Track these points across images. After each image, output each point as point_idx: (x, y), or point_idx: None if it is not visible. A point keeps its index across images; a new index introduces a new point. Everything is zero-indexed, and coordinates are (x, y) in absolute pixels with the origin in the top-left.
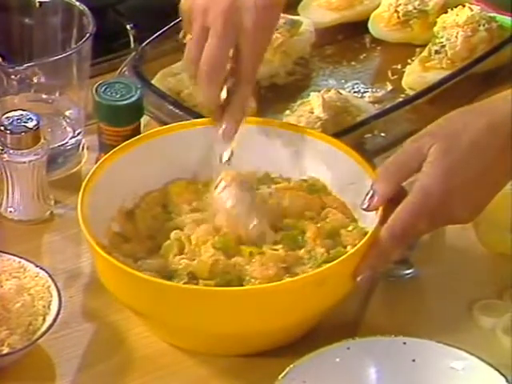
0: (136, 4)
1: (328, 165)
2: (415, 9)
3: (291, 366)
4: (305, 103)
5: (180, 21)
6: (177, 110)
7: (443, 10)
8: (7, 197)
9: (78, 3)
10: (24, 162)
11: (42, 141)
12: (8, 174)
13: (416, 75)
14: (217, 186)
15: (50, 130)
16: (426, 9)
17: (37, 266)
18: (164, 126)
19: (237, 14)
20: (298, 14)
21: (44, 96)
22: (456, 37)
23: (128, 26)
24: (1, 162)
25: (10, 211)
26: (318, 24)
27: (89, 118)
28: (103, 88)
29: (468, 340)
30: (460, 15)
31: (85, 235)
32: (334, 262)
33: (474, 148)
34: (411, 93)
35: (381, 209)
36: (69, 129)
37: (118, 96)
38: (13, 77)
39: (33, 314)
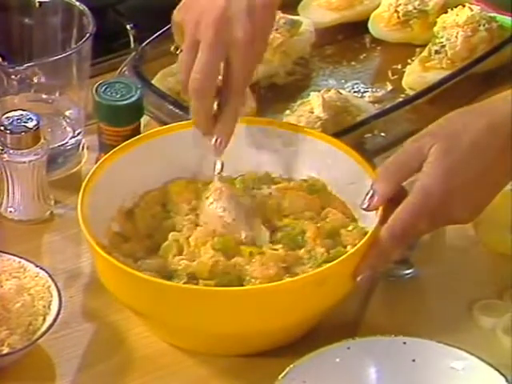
0: (136, 4)
1: (328, 165)
2: (415, 9)
3: (291, 366)
4: (305, 103)
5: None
6: (177, 110)
7: (443, 10)
8: (7, 197)
9: (77, 3)
10: (24, 162)
11: (42, 141)
12: (8, 173)
13: (416, 75)
14: (208, 197)
15: (50, 130)
16: (426, 9)
17: (37, 266)
18: (164, 126)
19: (227, 26)
20: (298, 14)
21: (44, 96)
22: (456, 37)
23: (128, 26)
24: (1, 162)
25: (10, 211)
26: (317, 24)
27: (89, 118)
28: (103, 88)
29: (468, 340)
30: (460, 15)
31: (85, 235)
32: (334, 261)
33: (475, 148)
34: (411, 93)
35: (381, 209)
36: (69, 129)
37: (118, 96)
38: (13, 77)
39: (33, 314)
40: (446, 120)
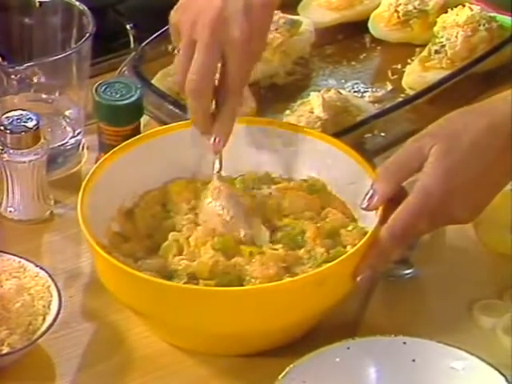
0: (136, 4)
1: (328, 165)
2: (415, 8)
3: (291, 365)
4: (305, 103)
5: None
6: (176, 110)
7: (443, 9)
8: (7, 197)
9: (77, 3)
10: (24, 162)
11: (42, 141)
12: (8, 173)
13: (416, 75)
14: (207, 196)
15: (49, 129)
16: (426, 9)
17: (37, 266)
18: (164, 126)
19: (224, 26)
20: (298, 14)
21: (44, 96)
22: (456, 37)
23: (128, 26)
24: (1, 162)
25: (10, 211)
26: (317, 24)
27: (89, 117)
28: (103, 88)
29: (468, 340)
30: (460, 15)
31: (85, 235)
32: (334, 261)
33: (475, 148)
34: (411, 93)
35: (381, 209)
36: (69, 129)
37: (117, 96)
38: (13, 77)
39: (33, 313)
40: (446, 120)
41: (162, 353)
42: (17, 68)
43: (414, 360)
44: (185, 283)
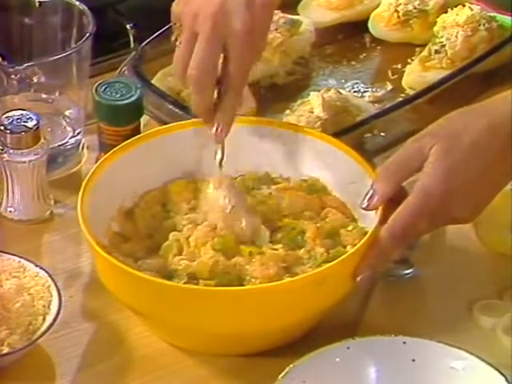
0: (136, 4)
1: (328, 165)
2: (415, 8)
3: (291, 365)
4: (305, 103)
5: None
6: (176, 110)
7: (443, 9)
8: (7, 197)
9: (77, 3)
10: (24, 162)
11: (42, 140)
12: (8, 173)
13: (416, 75)
14: (209, 186)
15: (49, 129)
16: (426, 8)
17: (37, 266)
18: (164, 126)
19: (225, 18)
20: (298, 14)
21: (44, 96)
22: (456, 36)
23: (128, 26)
24: (1, 162)
25: (10, 211)
26: (317, 23)
27: (89, 117)
28: (103, 87)
29: (468, 340)
30: (460, 15)
31: (85, 235)
32: (334, 261)
33: (475, 148)
34: (411, 92)
35: (381, 208)
36: (69, 128)
37: (117, 96)
38: (13, 76)
39: (33, 313)
40: (446, 120)
41: (162, 353)
42: (17, 68)
43: (413, 360)
44: (185, 283)
